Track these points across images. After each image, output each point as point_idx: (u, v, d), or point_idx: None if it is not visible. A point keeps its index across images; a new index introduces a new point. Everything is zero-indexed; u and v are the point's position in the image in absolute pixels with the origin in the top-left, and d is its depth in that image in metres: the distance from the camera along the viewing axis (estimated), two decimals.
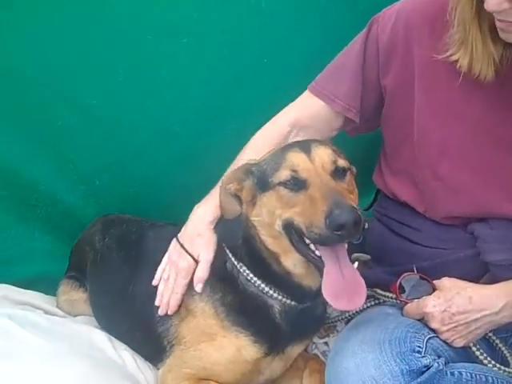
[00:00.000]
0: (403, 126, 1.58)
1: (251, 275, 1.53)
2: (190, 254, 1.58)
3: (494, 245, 1.45)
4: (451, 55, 1.39)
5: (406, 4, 1.56)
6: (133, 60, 1.91)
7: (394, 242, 1.63)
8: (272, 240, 1.47)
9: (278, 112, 1.76)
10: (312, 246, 1.37)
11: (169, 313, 1.58)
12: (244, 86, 2.00)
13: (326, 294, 1.33)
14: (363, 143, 1.91)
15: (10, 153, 1.97)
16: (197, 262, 1.57)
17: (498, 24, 1.28)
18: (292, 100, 1.79)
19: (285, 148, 1.48)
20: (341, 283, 1.34)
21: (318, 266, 1.38)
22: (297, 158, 1.41)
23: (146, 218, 1.99)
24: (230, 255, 1.56)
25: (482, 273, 1.47)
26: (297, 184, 1.39)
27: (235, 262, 1.55)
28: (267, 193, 1.43)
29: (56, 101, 1.94)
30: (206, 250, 1.57)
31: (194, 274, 1.57)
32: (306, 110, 1.69)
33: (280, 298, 1.53)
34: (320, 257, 1.37)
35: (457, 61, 1.38)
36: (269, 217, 1.43)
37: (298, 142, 1.54)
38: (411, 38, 1.52)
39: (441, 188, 1.51)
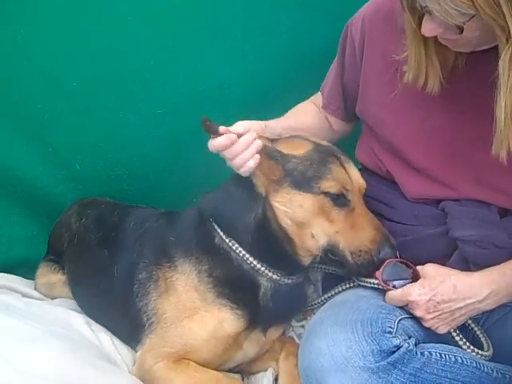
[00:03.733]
0: (368, 121, 1.65)
1: (243, 252, 1.55)
2: None
3: (463, 220, 1.46)
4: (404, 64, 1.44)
5: (370, 3, 1.63)
6: (114, 42, 1.90)
7: None
8: (295, 230, 1.51)
9: (263, 91, 1.89)
10: None
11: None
12: (227, 70, 2.00)
13: None
14: None
15: None
16: None
17: (440, 40, 1.33)
18: (272, 82, 1.94)
19: (322, 154, 1.51)
20: None
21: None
22: (342, 174, 1.49)
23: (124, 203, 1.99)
24: (220, 231, 1.57)
25: (451, 250, 1.49)
26: (342, 201, 1.47)
27: (226, 239, 1.56)
28: (304, 193, 1.47)
29: (36, 83, 1.92)
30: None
31: None
32: (319, 103, 1.84)
33: (270, 274, 1.56)
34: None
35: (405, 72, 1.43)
36: (303, 217, 1.48)
37: (330, 149, 1.56)
38: (374, 34, 1.59)
39: (411, 172, 1.54)
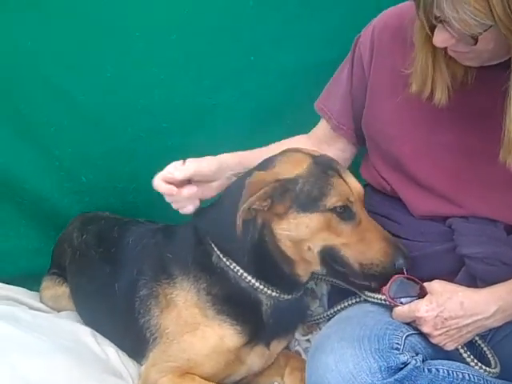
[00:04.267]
0: (375, 137, 1.64)
1: (241, 271, 1.55)
2: None
3: (471, 238, 1.47)
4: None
5: (380, 19, 1.62)
6: (120, 56, 1.92)
7: None
8: (294, 250, 1.50)
9: (265, 110, 1.83)
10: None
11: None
12: (232, 84, 2.01)
13: None
14: None
15: None
16: None
17: (450, 53, 1.33)
18: (279, 97, 1.90)
19: (321, 168, 1.49)
20: None
21: (354, 277, 1.49)
22: (343, 187, 1.48)
23: (124, 217, 1.99)
24: (216, 249, 1.57)
25: (458, 267, 1.49)
26: (348, 214, 1.47)
27: (223, 258, 1.56)
28: (311, 214, 1.46)
29: (43, 98, 1.94)
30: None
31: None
32: (319, 131, 1.79)
33: (269, 292, 1.56)
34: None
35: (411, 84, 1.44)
36: (306, 235, 1.47)
37: (326, 161, 1.54)
38: (383, 50, 1.59)
39: (417, 190, 1.54)
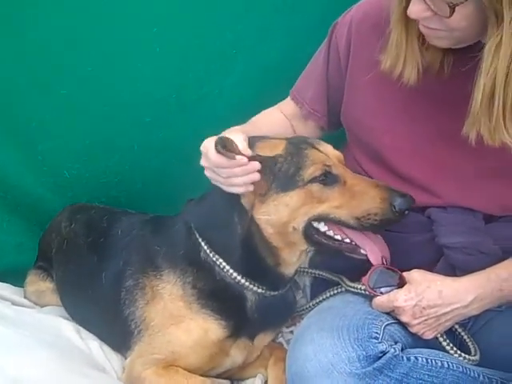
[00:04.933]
0: (354, 128, 1.65)
1: (227, 267, 1.55)
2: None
3: (449, 227, 1.48)
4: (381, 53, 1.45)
5: (358, 8, 1.63)
6: (103, 50, 1.91)
7: None
8: (278, 236, 1.50)
9: (249, 102, 1.83)
10: (338, 237, 1.49)
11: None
12: (215, 77, 2.01)
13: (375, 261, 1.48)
14: None
15: None
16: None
17: (421, 28, 1.33)
18: (262, 90, 1.90)
19: (295, 146, 1.50)
20: (383, 245, 1.49)
21: (351, 250, 1.49)
22: (318, 155, 1.48)
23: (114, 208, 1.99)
24: (204, 245, 1.57)
25: (437, 257, 1.50)
26: (330, 179, 1.46)
27: (210, 253, 1.56)
28: (291, 192, 1.46)
29: (25, 92, 1.93)
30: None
31: None
32: (288, 111, 1.79)
33: (255, 288, 1.57)
34: (351, 241, 1.49)
35: (382, 61, 1.44)
36: (287, 215, 1.47)
37: (299, 138, 1.58)
38: (360, 42, 1.59)
39: (396, 180, 1.54)
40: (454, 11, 1.23)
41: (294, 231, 1.49)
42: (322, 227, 1.49)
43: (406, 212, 1.42)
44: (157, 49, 1.93)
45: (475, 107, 1.29)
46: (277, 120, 1.78)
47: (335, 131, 1.81)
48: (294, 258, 1.56)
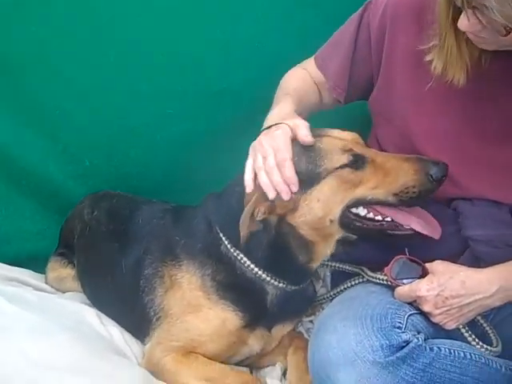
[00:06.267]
0: (386, 114, 1.62)
1: (248, 262, 1.55)
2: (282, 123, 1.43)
3: (475, 220, 1.47)
4: (427, 53, 1.42)
5: None
6: (124, 42, 1.93)
7: None
8: (314, 231, 1.49)
9: (270, 94, 1.77)
10: (379, 217, 1.47)
11: (293, 189, 1.39)
12: (237, 69, 2.01)
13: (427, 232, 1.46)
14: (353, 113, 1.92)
15: (0, 134, 1.99)
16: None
17: (469, 36, 1.31)
18: None
19: (299, 144, 1.44)
20: (427, 217, 1.47)
21: (394, 228, 1.47)
22: (335, 142, 1.46)
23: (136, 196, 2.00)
24: (225, 240, 1.57)
25: (462, 249, 1.50)
26: (358, 161, 1.44)
27: (231, 249, 1.56)
28: (317, 185, 1.44)
29: (48, 83, 1.96)
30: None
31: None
32: (315, 78, 1.75)
33: (277, 283, 1.57)
34: (392, 220, 1.47)
35: (431, 61, 1.41)
36: (322, 209, 1.45)
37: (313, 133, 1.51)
38: (397, 27, 1.55)
39: None
40: (509, 33, 1.21)
41: (331, 223, 1.48)
42: (362, 211, 1.47)
43: (444, 178, 1.40)
44: (177, 43, 1.94)
45: None
46: (309, 88, 1.72)
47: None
48: (328, 251, 1.55)
